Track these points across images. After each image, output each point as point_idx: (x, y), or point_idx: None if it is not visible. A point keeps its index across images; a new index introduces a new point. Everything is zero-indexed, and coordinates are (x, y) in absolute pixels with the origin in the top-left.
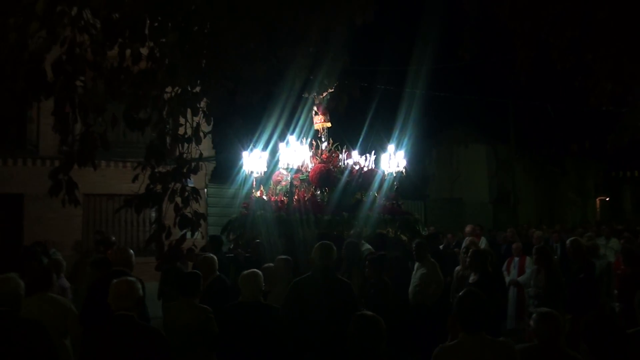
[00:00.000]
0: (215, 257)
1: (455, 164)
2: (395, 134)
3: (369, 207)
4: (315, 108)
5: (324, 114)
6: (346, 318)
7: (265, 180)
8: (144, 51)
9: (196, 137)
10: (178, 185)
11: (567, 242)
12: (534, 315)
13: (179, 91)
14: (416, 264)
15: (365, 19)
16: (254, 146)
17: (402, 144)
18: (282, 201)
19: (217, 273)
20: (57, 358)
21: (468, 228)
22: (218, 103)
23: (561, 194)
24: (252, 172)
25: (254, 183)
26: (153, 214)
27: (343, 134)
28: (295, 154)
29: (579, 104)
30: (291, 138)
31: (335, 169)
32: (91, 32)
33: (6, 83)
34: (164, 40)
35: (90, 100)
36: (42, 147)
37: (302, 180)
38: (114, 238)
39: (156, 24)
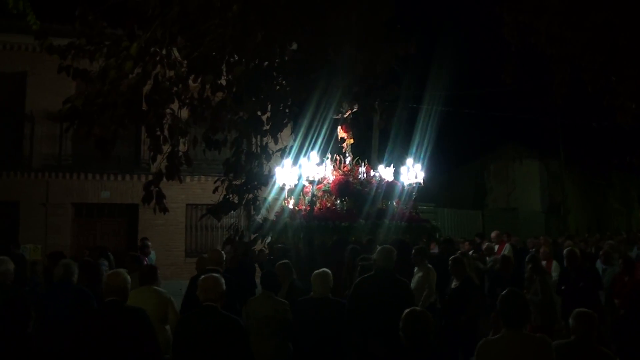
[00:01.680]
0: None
1: (510, 177)
2: (413, 148)
3: (387, 215)
4: (339, 126)
5: (347, 131)
6: (402, 312)
7: (294, 190)
8: (222, 82)
9: (265, 154)
10: (251, 195)
11: (564, 252)
12: (572, 314)
13: (249, 116)
14: (415, 269)
15: (407, 51)
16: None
17: (420, 158)
18: (306, 209)
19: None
20: (156, 340)
21: (493, 234)
22: (280, 126)
23: (608, 205)
24: (284, 184)
25: (286, 194)
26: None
27: (369, 149)
28: (317, 167)
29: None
30: (312, 153)
31: (355, 181)
32: (177, 68)
33: (108, 111)
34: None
35: (176, 125)
36: (153, 165)
37: (324, 191)
38: (150, 243)
39: (229, 60)
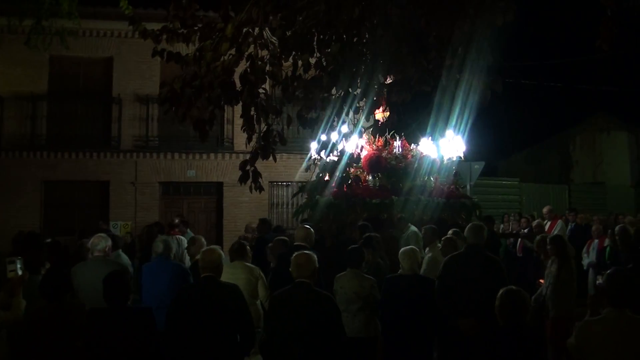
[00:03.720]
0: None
1: (597, 149)
2: (453, 119)
3: (423, 191)
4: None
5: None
6: (495, 291)
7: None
8: (312, 61)
9: (358, 132)
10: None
11: (615, 229)
12: None
13: (342, 93)
14: (426, 249)
15: (505, 19)
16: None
17: (461, 130)
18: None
19: None
20: (249, 315)
21: (545, 209)
22: (375, 103)
23: None
24: (317, 158)
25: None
26: None
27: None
28: (347, 142)
29: None
30: (343, 128)
31: (390, 156)
32: (270, 47)
33: (205, 92)
34: (328, 50)
35: (269, 104)
36: (237, 144)
37: (356, 167)
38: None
39: (322, 37)
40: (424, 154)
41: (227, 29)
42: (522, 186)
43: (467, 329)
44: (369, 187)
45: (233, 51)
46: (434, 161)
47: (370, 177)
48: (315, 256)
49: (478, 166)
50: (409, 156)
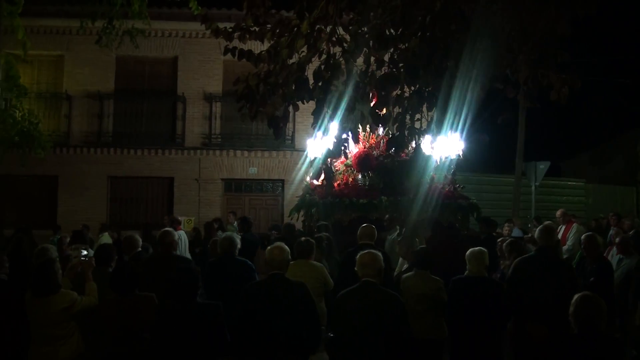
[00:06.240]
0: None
1: None
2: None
3: (417, 191)
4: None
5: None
6: (567, 295)
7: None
8: (386, 57)
9: (430, 130)
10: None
11: (582, 237)
12: None
13: (418, 89)
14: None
15: (589, 11)
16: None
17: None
18: (323, 185)
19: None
20: (316, 312)
21: (558, 212)
22: (449, 99)
23: None
24: (315, 158)
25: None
26: None
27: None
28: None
29: None
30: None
31: (382, 154)
32: (343, 44)
33: (280, 89)
34: (404, 46)
35: (341, 101)
36: (298, 141)
37: (347, 166)
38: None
39: (397, 33)
40: (422, 152)
41: (303, 26)
42: (587, 187)
43: (537, 335)
44: (357, 187)
45: (305, 48)
46: (431, 159)
47: (360, 176)
48: (381, 255)
49: (543, 166)
50: (403, 154)
